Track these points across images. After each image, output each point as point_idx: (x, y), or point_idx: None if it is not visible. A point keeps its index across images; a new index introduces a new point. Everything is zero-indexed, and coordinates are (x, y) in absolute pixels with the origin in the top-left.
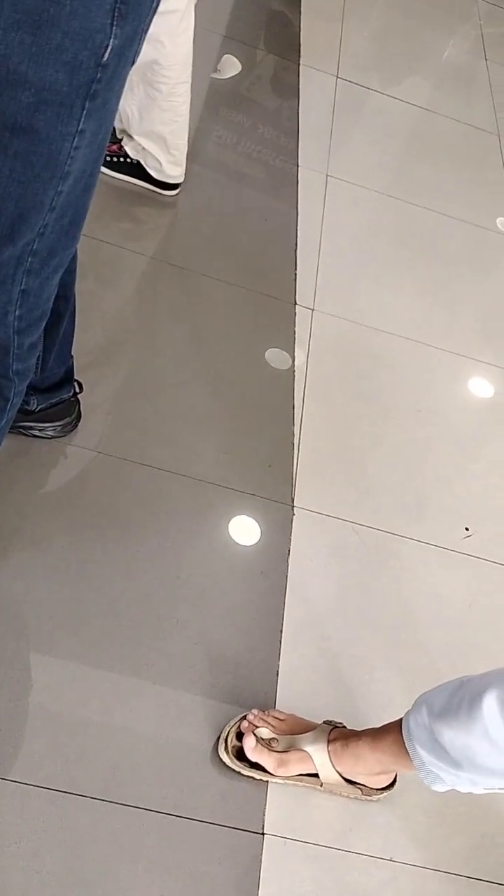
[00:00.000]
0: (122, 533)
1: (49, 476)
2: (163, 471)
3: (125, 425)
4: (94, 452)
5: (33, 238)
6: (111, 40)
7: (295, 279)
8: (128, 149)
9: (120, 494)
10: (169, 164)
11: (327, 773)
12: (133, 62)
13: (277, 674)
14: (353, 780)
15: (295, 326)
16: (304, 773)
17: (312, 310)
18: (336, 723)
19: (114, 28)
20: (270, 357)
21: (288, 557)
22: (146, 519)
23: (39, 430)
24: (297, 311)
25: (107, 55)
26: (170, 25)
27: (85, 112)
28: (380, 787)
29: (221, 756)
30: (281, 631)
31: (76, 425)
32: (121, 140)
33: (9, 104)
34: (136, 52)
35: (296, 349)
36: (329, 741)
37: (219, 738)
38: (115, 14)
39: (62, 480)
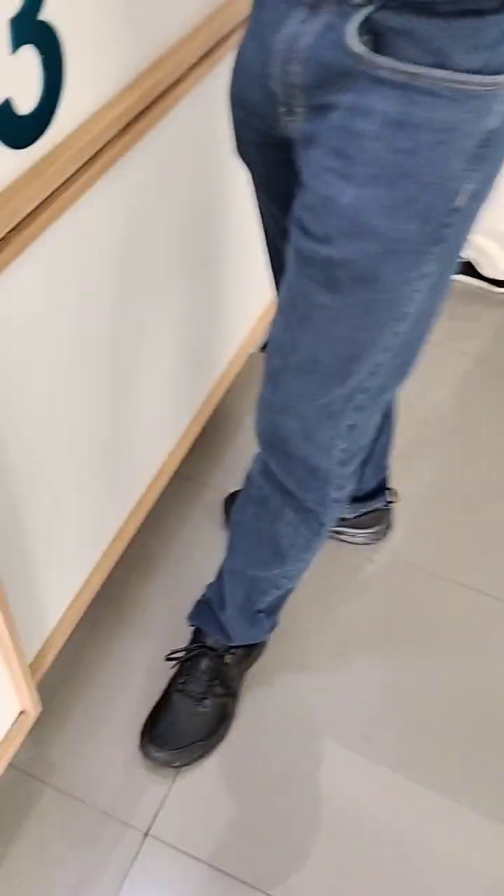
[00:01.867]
0: (428, 652)
1: (355, 583)
2: (478, 592)
3: (438, 537)
4: (403, 563)
5: (366, 377)
6: (466, 185)
7: None
8: None
9: (427, 610)
10: None
11: None
12: (486, 199)
13: None
14: None
15: None
16: None
17: None
18: None
19: (470, 173)
20: None
21: None
22: (454, 640)
23: (350, 536)
24: None
25: (459, 200)
26: None
27: (432, 257)
28: None
29: None
30: None
31: (387, 533)
32: None
33: (355, 256)
34: (490, 191)
35: None
36: None
37: None
38: (474, 160)
39: (368, 588)
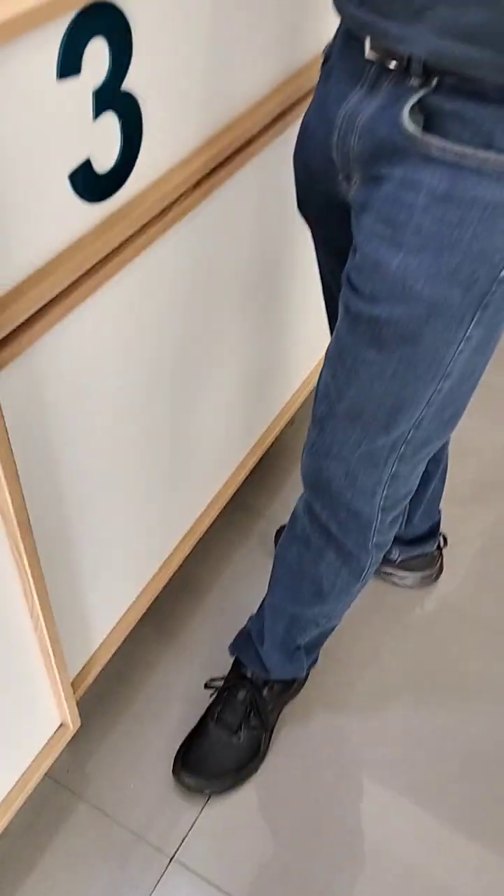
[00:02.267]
0: (469, 702)
1: (402, 626)
2: None
3: (490, 586)
4: (451, 610)
5: (409, 429)
6: None
7: None
8: None
9: (472, 660)
10: None
11: None
12: None
13: None
14: None
15: None
16: None
17: None
18: None
19: None
20: None
21: None
22: (497, 692)
23: (399, 579)
24: None
25: None
26: None
27: (475, 321)
28: None
29: None
30: None
31: (437, 578)
32: None
33: (400, 316)
34: None
35: None
36: None
37: None
38: None
39: (414, 633)
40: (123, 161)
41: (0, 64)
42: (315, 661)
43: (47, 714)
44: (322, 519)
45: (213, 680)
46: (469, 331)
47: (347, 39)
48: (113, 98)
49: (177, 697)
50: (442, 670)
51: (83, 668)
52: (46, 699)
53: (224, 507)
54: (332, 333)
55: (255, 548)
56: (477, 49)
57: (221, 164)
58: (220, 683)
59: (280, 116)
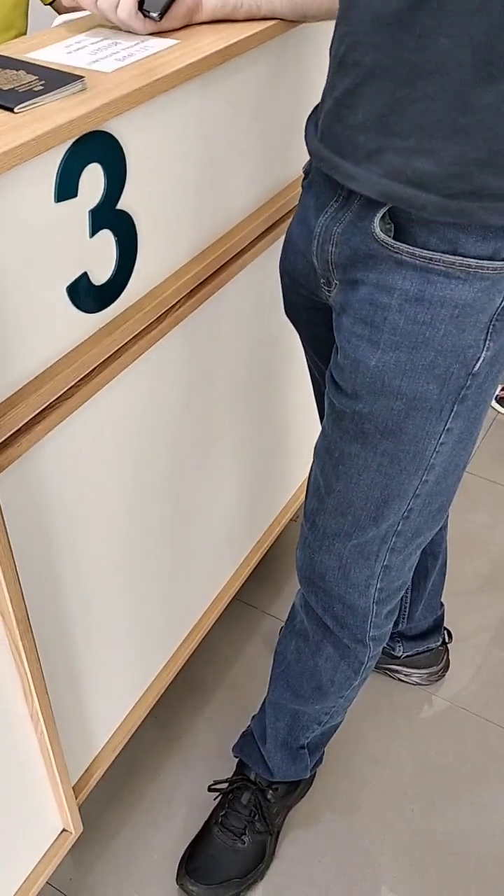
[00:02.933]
0: (481, 804)
1: (409, 725)
2: None
3: (498, 679)
4: (459, 708)
5: (398, 520)
6: (483, 353)
7: None
8: None
9: (482, 759)
10: None
11: None
12: None
13: None
14: None
15: None
16: None
17: None
18: None
19: (487, 342)
20: None
21: None
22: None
23: (404, 676)
24: None
25: (478, 365)
26: None
27: (453, 414)
28: None
29: None
30: None
31: (443, 675)
32: None
33: (381, 411)
34: None
35: None
36: None
37: None
38: (489, 331)
39: (422, 732)
40: (119, 274)
41: (1, 190)
42: (320, 761)
43: (48, 819)
44: (318, 613)
45: (217, 782)
46: (448, 423)
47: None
48: (108, 217)
49: (182, 801)
50: (452, 771)
51: (85, 771)
52: (47, 804)
53: (227, 606)
54: None
55: (259, 646)
56: (423, 193)
57: (213, 275)
58: (225, 786)
59: (267, 231)
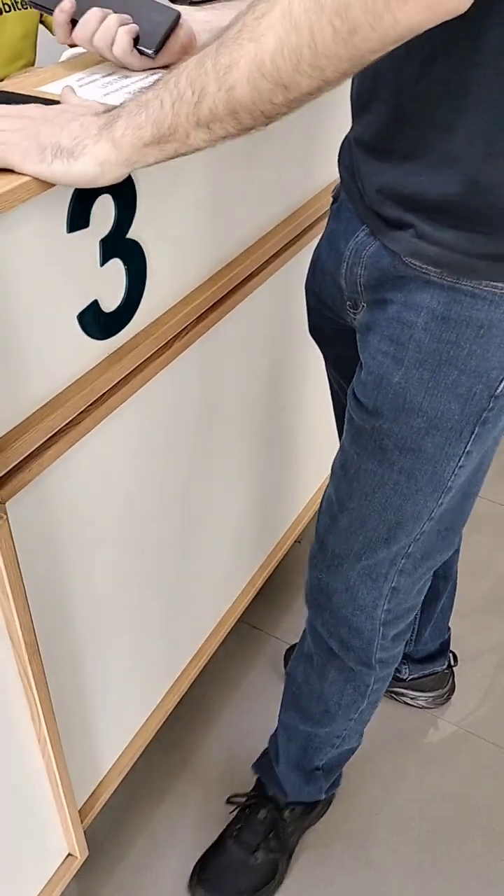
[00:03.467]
0: (492, 834)
1: (418, 749)
2: None
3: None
4: (466, 732)
5: (409, 542)
6: None
7: None
8: None
9: (489, 785)
10: None
11: None
12: None
13: None
14: None
15: None
16: None
17: None
18: None
19: None
20: None
21: None
22: None
23: (410, 699)
24: None
25: (500, 387)
26: None
27: (474, 436)
28: None
29: None
30: None
31: (449, 698)
32: None
33: (401, 428)
34: None
35: None
36: None
37: None
38: None
39: (431, 756)
40: (129, 301)
41: (16, 221)
42: (336, 783)
43: (54, 843)
44: (323, 636)
45: (235, 796)
46: (468, 445)
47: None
48: (118, 246)
49: (188, 825)
50: (464, 796)
51: (91, 794)
52: (53, 827)
53: (233, 628)
54: None
55: (265, 668)
56: (450, 253)
57: (222, 300)
58: (242, 800)
59: (275, 256)
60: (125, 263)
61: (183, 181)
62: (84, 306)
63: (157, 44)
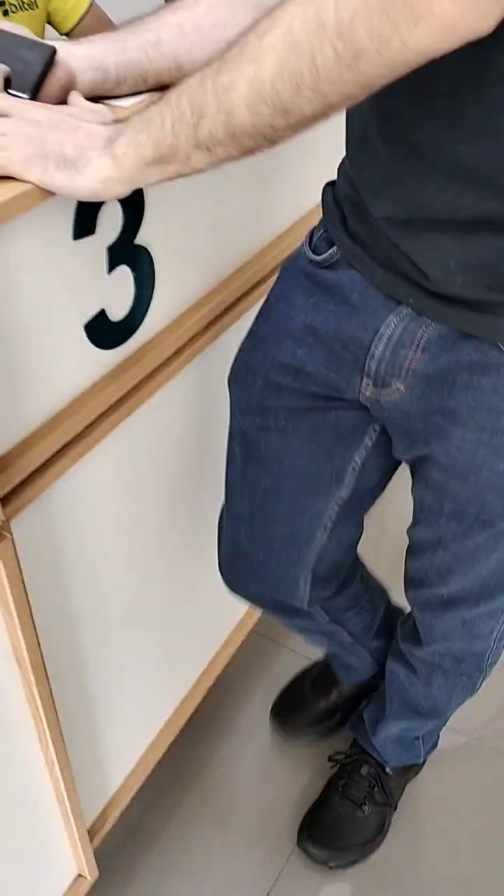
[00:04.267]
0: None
1: (431, 761)
2: None
3: None
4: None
5: None
6: None
7: None
8: None
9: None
10: None
11: None
12: None
13: None
14: None
15: None
16: None
17: None
18: None
19: None
20: None
21: None
22: None
23: None
24: None
25: None
26: None
27: None
28: None
29: None
30: None
31: None
32: None
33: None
34: None
35: None
36: None
37: None
38: None
39: (445, 767)
40: (137, 309)
41: (19, 230)
42: (434, 745)
43: (63, 864)
44: (428, 660)
45: (336, 753)
46: None
47: None
48: (126, 252)
49: (200, 843)
50: (482, 810)
51: (100, 814)
52: (62, 848)
53: (246, 639)
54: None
55: (277, 680)
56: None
57: (233, 305)
58: (342, 757)
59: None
60: (133, 270)
61: (191, 185)
62: (91, 316)
63: (33, 84)
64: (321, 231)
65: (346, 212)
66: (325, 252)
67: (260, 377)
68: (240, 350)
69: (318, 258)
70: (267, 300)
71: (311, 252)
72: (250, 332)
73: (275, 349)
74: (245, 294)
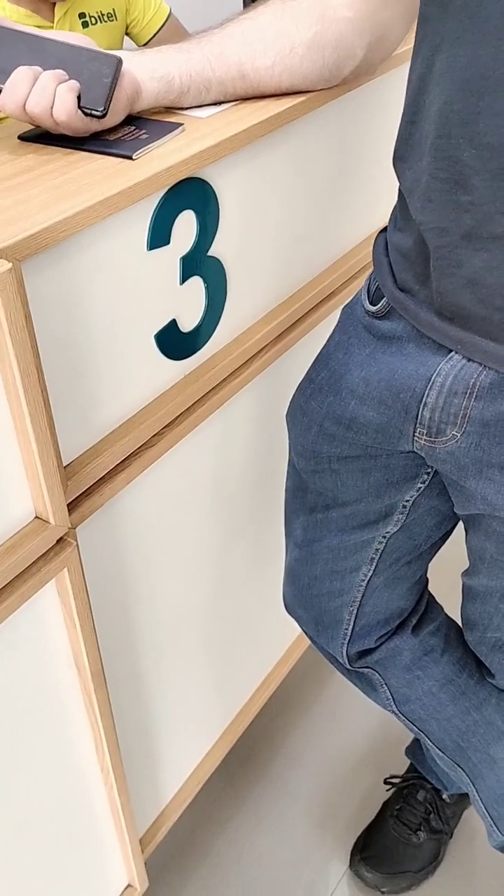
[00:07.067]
0: None
1: None
2: None
3: None
4: None
5: None
6: None
7: None
8: None
9: None
10: None
11: None
12: None
13: None
14: None
15: None
16: None
17: None
18: None
19: None
20: None
21: None
22: None
23: None
24: None
25: None
26: None
27: None
28: None
29: None
30: None
31: None
32: None
33: None
34: None
35: None
36: None
37: None
38: None
39: None
40: (207, 320)
41: (96, 238)
42: None
43: (114, 874)
44: (484, 680)
45: (392, 776)
46: None
47: None
48: (199, 264)
49: (251, 857)
50: None
51: (152, 824)
52: (113, 858)
53: (302, 654)
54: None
55: (333, 695)
56: None
57: (303, 318)
58: (398, 781)
59: (355, 276)
60: (205, 282)
61: (265, 199)
62: (162, 326)
63: (105, 98)
64: (376, 280)
65: (393, 260)
66: (379, 302)
67: (315, 425)
68: (297, 391)
69: (373, 308)
70: (326, 345)
71: (367, 303)
72: (308, 377)
73: (331, 398)
74: (314, 307)
